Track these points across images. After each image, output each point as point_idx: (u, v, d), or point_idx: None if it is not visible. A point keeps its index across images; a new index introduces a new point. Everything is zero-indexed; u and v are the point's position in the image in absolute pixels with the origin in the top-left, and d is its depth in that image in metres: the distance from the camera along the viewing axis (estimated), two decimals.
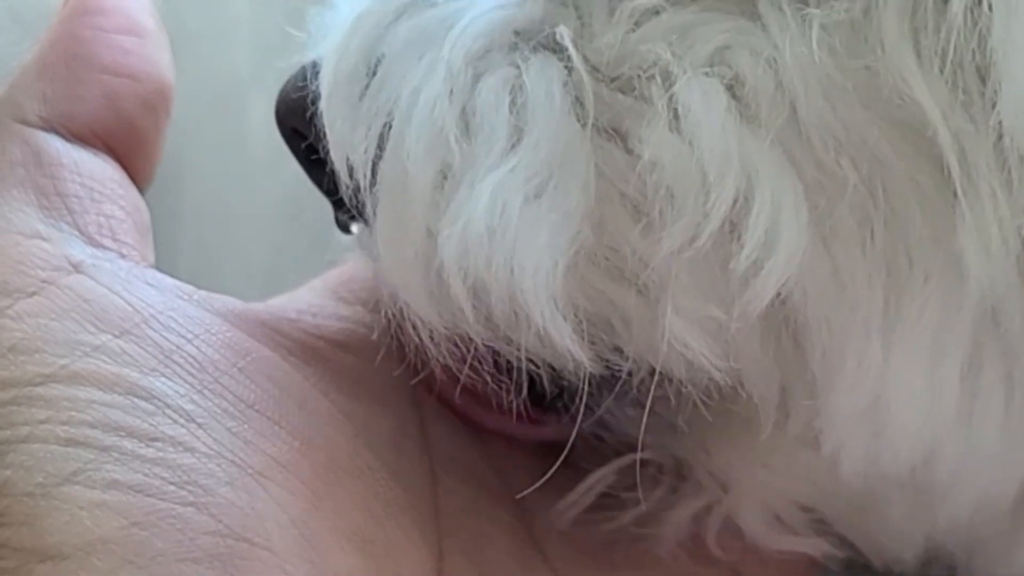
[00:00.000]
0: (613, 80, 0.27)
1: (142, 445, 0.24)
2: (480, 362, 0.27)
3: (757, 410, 0.28)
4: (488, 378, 0.28)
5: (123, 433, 0.24)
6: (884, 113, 0.25)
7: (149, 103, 0.30)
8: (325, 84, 0.28)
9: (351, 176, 0.28)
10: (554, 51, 0.27)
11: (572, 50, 0.26)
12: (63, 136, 0.29)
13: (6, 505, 0.24)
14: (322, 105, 0.28)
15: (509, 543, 0.30)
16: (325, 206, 0.56)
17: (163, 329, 0.26)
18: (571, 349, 0.26)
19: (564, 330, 0.26)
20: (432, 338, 0.27)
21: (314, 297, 0.32)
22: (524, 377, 0.27)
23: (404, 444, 0.29)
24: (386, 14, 0.28)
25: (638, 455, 0.29)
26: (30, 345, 0.25)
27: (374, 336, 0.30)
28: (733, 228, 0.25)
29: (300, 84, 0.30)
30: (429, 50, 0.27)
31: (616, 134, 0.26)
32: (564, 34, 0.26)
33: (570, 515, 0.30)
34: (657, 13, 0.27)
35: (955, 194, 0.25)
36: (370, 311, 0.31)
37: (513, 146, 0.26)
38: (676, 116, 0.26)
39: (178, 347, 0.26)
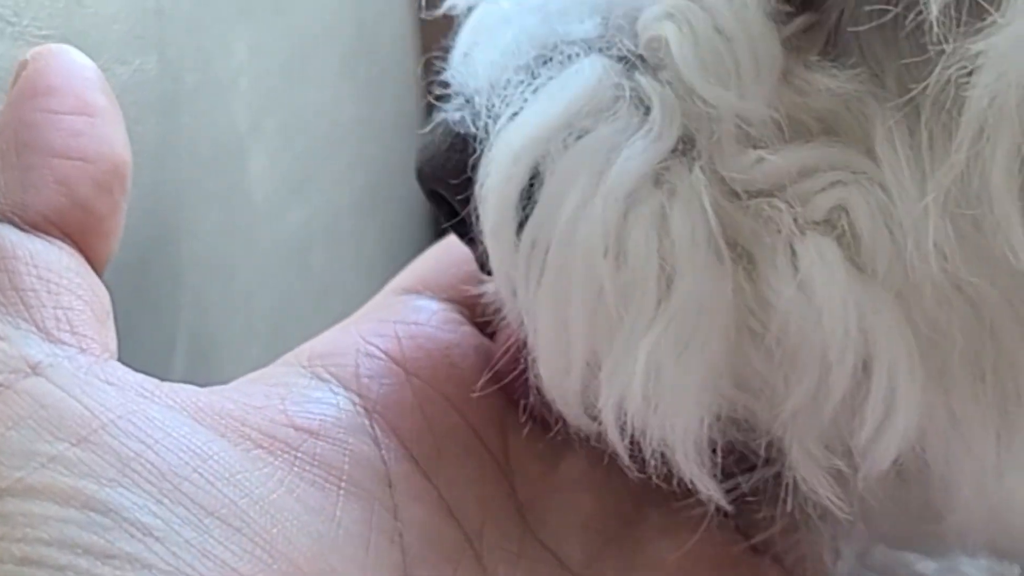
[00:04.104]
0: (745, 202, 0.28)
1: (98, 563, 0.24)
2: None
3: None
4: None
5: (79, 550, 0.24)
6: (992, 265, 0.25)
7: (104, 184, 0.30)
8: (488, 215, 0.29)
9: (514, 294, 0.30)
10: (692, 185, 0.28)
11: (704, 185, 0.27)
12: (17, 226, 0.29)
13: None
14: (485, 233, 0.30)
15: None
16: (328, 258, 0.55)
17: (122, 435, 0.26)
18: (709, 490, 0.29)
19: (704, 478, 0.29)
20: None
21: (286, 375, 0.31)
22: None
23: (373, 535, 0.28)
24: (544, 141, 0.29)
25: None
26: None
27: (346, 417, 0.30)
28: (854, 396, 0.27)
29: (441, 147, 0.31)
30: (582, 186, 0.28)
31: (750, 262, 0.27)
32: (699, 175, 0.28)
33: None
34: (781, 146, 0.27)
35: None
36: (346, 389, 0.31)
37: (662, 299, 0.27)
38: (797, 271, 0.27)
39: (137, 454, 0.25)
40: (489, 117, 0.30)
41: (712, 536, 0.31)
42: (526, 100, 0.29)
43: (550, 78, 0.29)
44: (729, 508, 0.30)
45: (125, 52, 0.42)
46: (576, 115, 0.28)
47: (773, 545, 0.32)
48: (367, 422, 0.30)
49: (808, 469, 0.28)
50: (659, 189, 0.28)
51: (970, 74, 0.24)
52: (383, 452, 0.30)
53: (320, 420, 0.29)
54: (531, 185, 0.29)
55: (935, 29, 0.24)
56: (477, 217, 0.30)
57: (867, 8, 0.26)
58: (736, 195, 0.27)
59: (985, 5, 0.24)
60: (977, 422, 0.27)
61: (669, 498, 0.31)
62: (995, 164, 0.24)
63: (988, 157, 0.24)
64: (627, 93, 0.29)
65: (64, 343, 0.27)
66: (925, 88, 0.25)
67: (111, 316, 0.29)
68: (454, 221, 0.31)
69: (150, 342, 0.43)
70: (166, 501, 0.25)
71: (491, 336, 0.33)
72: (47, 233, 0.29)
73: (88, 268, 0.29)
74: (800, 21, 0.28)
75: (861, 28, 0.26)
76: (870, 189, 0.26)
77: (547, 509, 0.31)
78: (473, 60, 0.31)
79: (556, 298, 0.28)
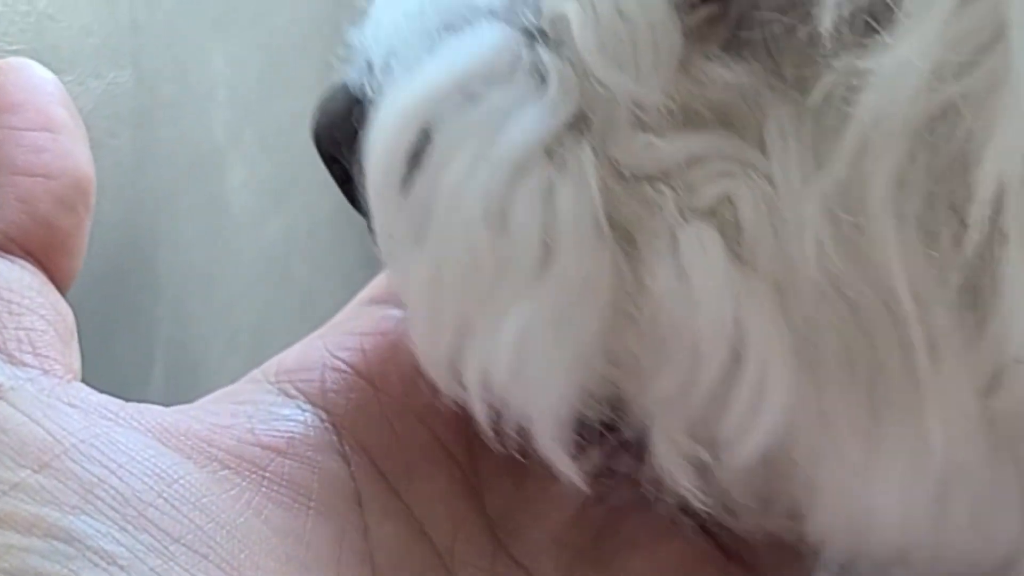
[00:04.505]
0: (633, 186, 0.27)
1: None
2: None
3: None
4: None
5: None
6: (871, 269, 0.25)
7: (67, 201, 0.29)
8: (372, 173, 0.29)
9: (392, 254, 0.29)
10: (582, 162, 0.27)
11: (594, 164, 0.27)
12: None
13: None
14: (368, 190, 0.29)
15: None
16: (310, 267, 0.55)
17: (85, 460, 0.25)
18: (569, 472, 0.29)
19: (561, 457, 0.28)
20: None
21: (253, 392, 0.31)
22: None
23: (344, 555, 0.28)
24: (435, 102, 0.28)
25: None
26: None
27: (314, 434, 0.29)
28: (723, 386, 0.27)
29: (339, 110, 0.30)
30: (471, 151, 0.28)
31: (632, 245, 0.27)
32: (589, 153, 0.27)
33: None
34: (672, 133, 0.27)
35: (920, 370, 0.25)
36: (313, 405, 0.30)
37: (541, 271, 0.27)
38: (677, 258, 0.26)
39: (100, 480, 0.25)
40: (384, 78, 0.29)
41: (685, 548, 0.31)
42: (422, 61, 0.29)
43: (449, 41, 0.29)
44: (585, 488, 0.29)
45: (99, 65, 0.41)
46: (471, 79, 0.28)
47: (749, 556, 0.32)
48: (335, 438, 0.30)
49: (670, 457, 0.28)
50: (550, 162, 0.27)
51: (855, 89, 0.24)
52: (352, 469, 0.30)
53: (288, 438, 0.29)
54: (422, 148, 0.29)
55: (825, 42, 0.24)
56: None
57: (766, 11, 0.26)
58: (625, 178, 0.27)
59: (875, 25, 0.24)
60: (846, 425, 0.26)
61: (641, 510, 0.31)
62: (876, 182, 0.24)
63: (870, 174, 0.24)
64: (525, 64, 0.28)
65: (26, 365, 0.27)
66: (817, 94, 0.25)
67: (75, 335, 0.29)
68: (349, 189, 0.31)
69: (129, 354, 0.43)
70: (130, 528, 0.24)
71: None
72: (8, 252, 0.28)
73: (51, 287, 0.29)
74: (704, 12, 0.27)
75: (764, 26, 0.26)
76: (757, 182, 0.26)
77: (518, 524, 0.31)
78: (377, 22, 0.30)
79: (433, 262, 0.28)
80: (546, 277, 0.27)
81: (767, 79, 0.26)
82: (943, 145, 0.24)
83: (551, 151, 0.28)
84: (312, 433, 0.30)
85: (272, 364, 0.32)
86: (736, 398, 0.26)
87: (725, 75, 0.27)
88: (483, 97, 0.28)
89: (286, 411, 0.30)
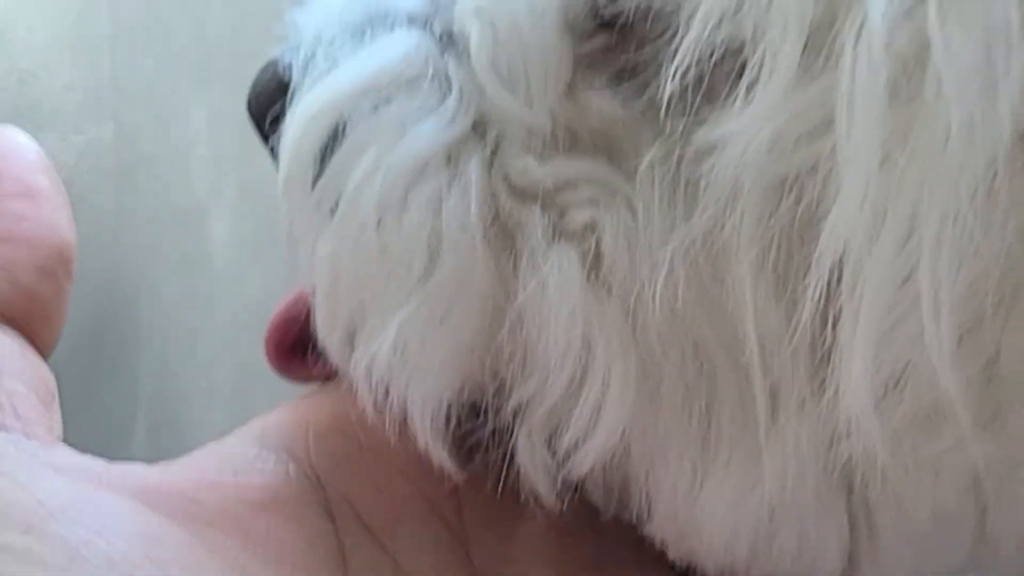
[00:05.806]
0: (516, 202, 0.28)
1: None
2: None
3: None
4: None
5: None
6: (721, 315, 0.26)
7: (48, 269, 0.29)
8: (284, 165, 0.31)
9: (297, 244, 0.30)
10: (474, 172, 0.28)
11: (485, 176, 0.29)
12: None
13: None
14: (280, 185, 0.31)
15: None
16: None
17: (70, 523, 0.25)
18: (445, 464, 0.29)
19: (438, 449, 0.29)
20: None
21: (240, 446, 0.30)
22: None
23: None
24: (345, 103, 0.30)
25: None
26: None
27: (299, 491, 0.29)
28: (569, 400, 0.27)
29: (267, 85, 0.31)
30: (373, 155, 0.29)
31: (513, 256, 0.28)
32: (481, 166, 0.28)
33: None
34: (553, 155, 0.28)
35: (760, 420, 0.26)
36: (299, 461, 0.30)
37: (426, 274, 0.28)
38: (541, 275, 0.28)
39: (86, 542, 0.24)
40: (309, 68, 0.30)
41: None
42: (339, 61, 0.30)
43: (370, 43, 0.30)
44: (459, 477, 0.29)
45: (80, 121, 0.44)
46: (383, 83, 0.29)
47: None
48: (321, 495, 0.29)
49: (527, 456, 0.28)
50: (445, 171, 0.29)
51: (707, 151, 0.24)
52: (337, 523, 0.29)
53: (273, 495, 0.29)
54: (336, 143, 0.29)
55: (665, 108, 0.25)
56: None
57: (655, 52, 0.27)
58: (511, 193, 0.28)
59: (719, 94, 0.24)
60: (678, 451, 0.27)
61: (626, 564, 0.29)
62: (737, 239, 0.25)
63: (731, 229, 0.25)
64: (430, 72, 0.29)
65: (8, 428, 0.26)
66: (685, 146, 0.26)
67: (56, 399, 0.28)
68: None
69: (112, 408, 0.44)
70: None
71: None
72: None
73: (32, 351, 0.28)
74: (599, 41, 0.27)
75: (652, 66, 0.26)
76: (623, 213, 0.27)
77: None
78: (313, 7, 0.31)
79: (332, 258, 0.29)
80: (429, 280, 0.28)
81: (649, 118, 0.26)
82: (796, 209, 0.24)
83: (448, 160, 0.29)
84: (297, 489, 0.29)
85: (257, 423, 0.31)
86: (578, 411, 0.27)
87: (604, 106, 0.27)
88: (392, 102, 0.29)
89: (271, 467, 0.30)
